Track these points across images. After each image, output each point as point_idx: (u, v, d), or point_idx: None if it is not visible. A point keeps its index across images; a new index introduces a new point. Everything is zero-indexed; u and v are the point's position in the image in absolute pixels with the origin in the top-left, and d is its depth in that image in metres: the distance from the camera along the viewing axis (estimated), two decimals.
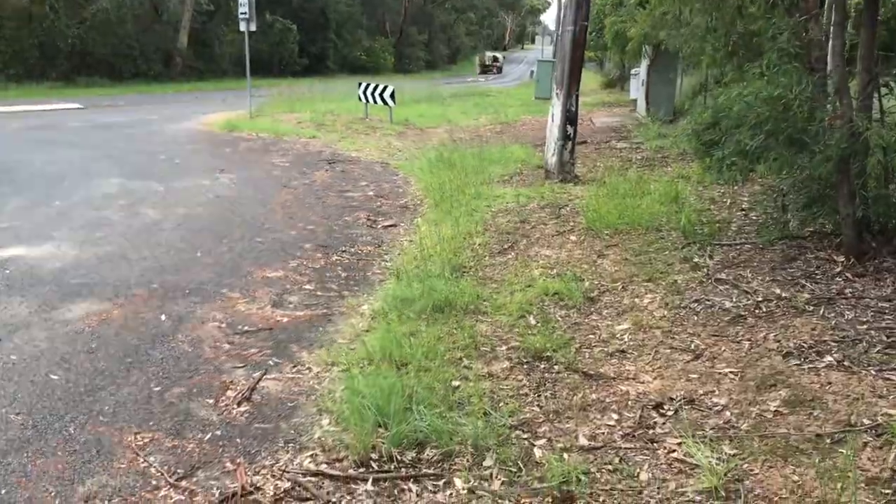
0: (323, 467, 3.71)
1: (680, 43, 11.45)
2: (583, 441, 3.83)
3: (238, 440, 4.01)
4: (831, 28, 6.16)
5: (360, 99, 20.53)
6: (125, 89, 31.65)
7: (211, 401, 4.45)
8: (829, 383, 4.16)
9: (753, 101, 5.84)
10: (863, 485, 3.20)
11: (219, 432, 4.09)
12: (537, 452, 3.74)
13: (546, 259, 6.98)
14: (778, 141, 5.87)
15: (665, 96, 18.54)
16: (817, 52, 6.18)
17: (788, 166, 6.25)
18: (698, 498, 3.27)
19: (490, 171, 11.77)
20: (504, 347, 5.05)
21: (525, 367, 4.75)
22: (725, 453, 3.58)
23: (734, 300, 5.53)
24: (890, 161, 5.95)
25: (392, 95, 19.54)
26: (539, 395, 4.36)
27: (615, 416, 4.07)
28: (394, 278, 6.56)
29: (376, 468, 3.67)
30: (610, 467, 3.57)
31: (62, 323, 5.52)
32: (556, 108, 10.98)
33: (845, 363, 4.38)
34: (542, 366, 4.75)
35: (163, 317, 5.74)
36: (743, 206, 8.47)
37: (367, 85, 20.60)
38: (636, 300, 5.79)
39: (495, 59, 71.33)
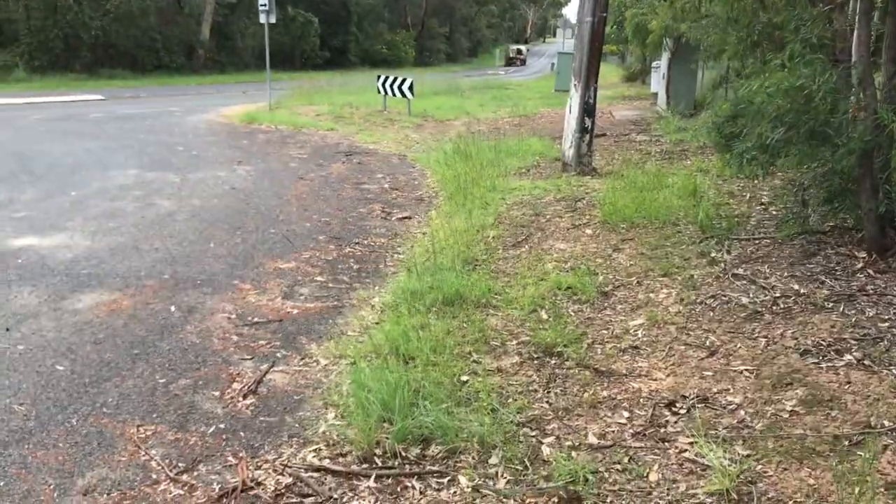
0: (326, 462, 3.64)
1: (701, 35, 11.29)
2: (592, 439, 3.74)
3: (242, 434, 3.96)
4: (856, 18, 5.99)
5: (378, 91, 20.47)
6: (147, 81, 31.85)
7: (216, 393, 4.40)
8: (849, 383, 4.03)
9: (775, 93, 5.69)
10: (882, 489, 3.08)
11: (222, 425, 4.04)
12: (545, 450, 3.65)
13: (560, 253, 6.87)
14: (799, 134, 5.71)
15: (686, 89, 18.31)
16: (842, 42, 6.02)
17: (809, 160, 6.09)
18: (709, 500, 3.17)
19: (507, 163, 11.65)
20: (514, 342, 4.96)
21: (535, 362, 4.66)
22: (739, 454, 3.47)
23: (751, 296, 5.40)
24: None
25: (411, 88, 19.47)
26: (549, 392, 4.27)
27: (626, 414, 3.97)
28: (405, 271, 6.48)
29: (380, 464, 3.60)
30: (619, 467, 3.48)
31: (71, 313, 5.49)
32: (573, 101, 10.84)
33: (865, 362, 4.24)
34: (553, 361, 4.66)
35: (172, 308, 5.70)
36: (762, 200, 8.31)
37: (386, 77, 20.54)
38: (651, 295, 5.67)
39: (519, 51, 74.54)
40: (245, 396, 4.36)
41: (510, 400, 4.15)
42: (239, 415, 4.16)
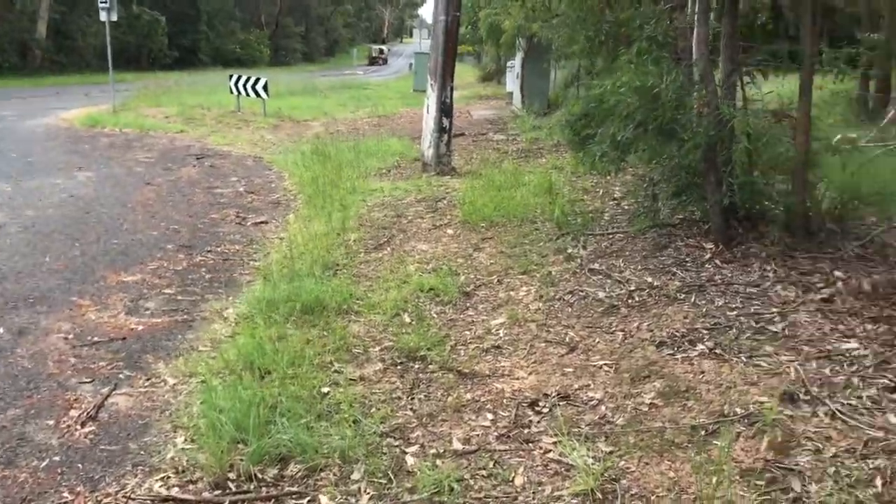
0: (174, 491, 3.38)
1: (552, 34, 11.51)
2: (457, 445, 3.65)
3: (80, 465, 3.62)
4: (696, 17, 6.22)
5: (231, 92, 19.80)
6: None
7: (51, 422, 4.02)
8: (702, 372, 4.13)
9: (626, 92, 5.82)
10: (737, 477, 3.14)
11: (58, 458, 3.68)
12: (409, 460, 3.53)
13: (422, 254, 6.79)
14: (648, 131, 5.87)
15: (539, 89, 18.73)
16: (683, 41, 6.24)
17: (658, 155, 6.28)
18: (574, 502, 3.13)
19: (367, 164, 11.50)
20: (377, 348, 4.83)
21: (399, 368, 4.54)
22: (601, 451, 3.47)
23: (607, 290, 5.49)
24: (754, 148, 6.04)
25: (265, 87, 18.94)
26: (413, 398, 4.16)
27: (490, 417, 3.91)
28: (261, 279, 6.21)
29: (234, 489, 3.37)
30: (484, 472, 3.40)
31: None
32: (431, 100, 10.81)
33: (717, 351, 4.36)
34: (417, 366, 4.55)
35: (0, 330, 5.20)
36: (615, 195, 8.54)
37: (239, 77, 19.90)
38: (511, 293, 5.67)
39: (381, 51, 77.28)
40: (83, 424, 4.00)
41: (373, 409, 4.00)
42: (76, 445, 3.80)
